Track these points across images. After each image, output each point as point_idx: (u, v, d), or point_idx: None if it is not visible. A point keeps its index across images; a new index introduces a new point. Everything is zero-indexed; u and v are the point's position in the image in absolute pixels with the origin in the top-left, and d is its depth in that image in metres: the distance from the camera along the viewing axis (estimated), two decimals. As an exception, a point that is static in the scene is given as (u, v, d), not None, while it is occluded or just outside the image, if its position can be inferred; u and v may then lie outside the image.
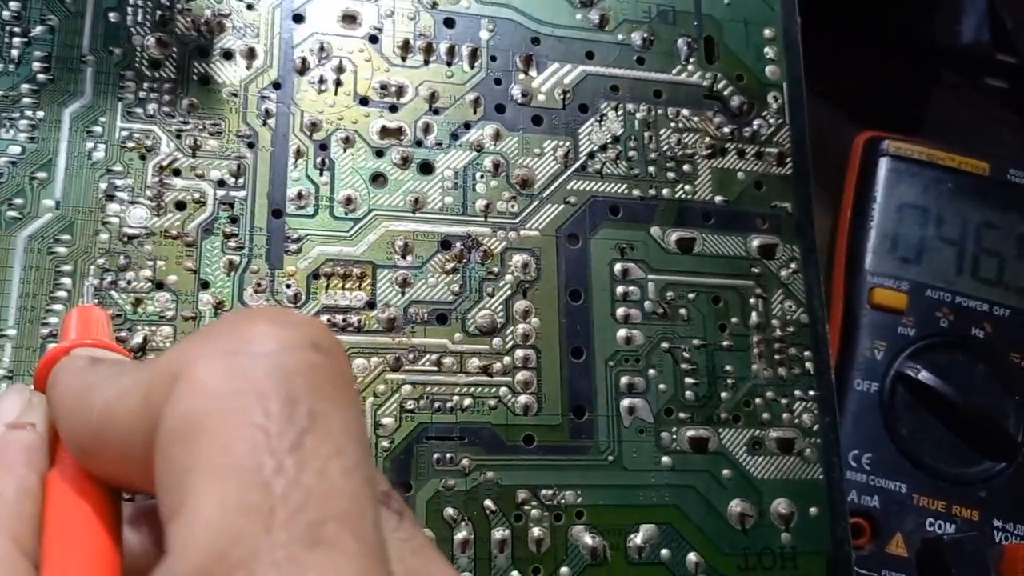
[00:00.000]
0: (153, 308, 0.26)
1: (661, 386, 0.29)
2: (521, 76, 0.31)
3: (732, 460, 0.29)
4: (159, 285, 0.26)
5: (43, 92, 0.26)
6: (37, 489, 0.17)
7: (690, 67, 0.32)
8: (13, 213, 0.25)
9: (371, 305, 0.28)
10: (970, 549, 0.32)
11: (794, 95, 0.33)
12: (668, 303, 0.30)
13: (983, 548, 0.32)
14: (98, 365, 0.17)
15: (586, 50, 0.32)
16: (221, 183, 0.27)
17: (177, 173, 0.27)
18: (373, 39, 0.30)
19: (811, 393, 0.30)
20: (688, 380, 0.30)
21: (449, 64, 0.30)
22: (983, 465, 0.35)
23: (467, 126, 0.30)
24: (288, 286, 0.27)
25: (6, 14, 0.27)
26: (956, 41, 0.53)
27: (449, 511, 0.27)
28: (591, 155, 0.31)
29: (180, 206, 0.27)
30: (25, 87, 0.26)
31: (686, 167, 0.31)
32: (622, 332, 0.29)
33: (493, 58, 0.31)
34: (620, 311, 0.30)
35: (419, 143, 0.29)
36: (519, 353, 0.28)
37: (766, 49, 0.33)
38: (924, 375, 0.35)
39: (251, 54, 0.28)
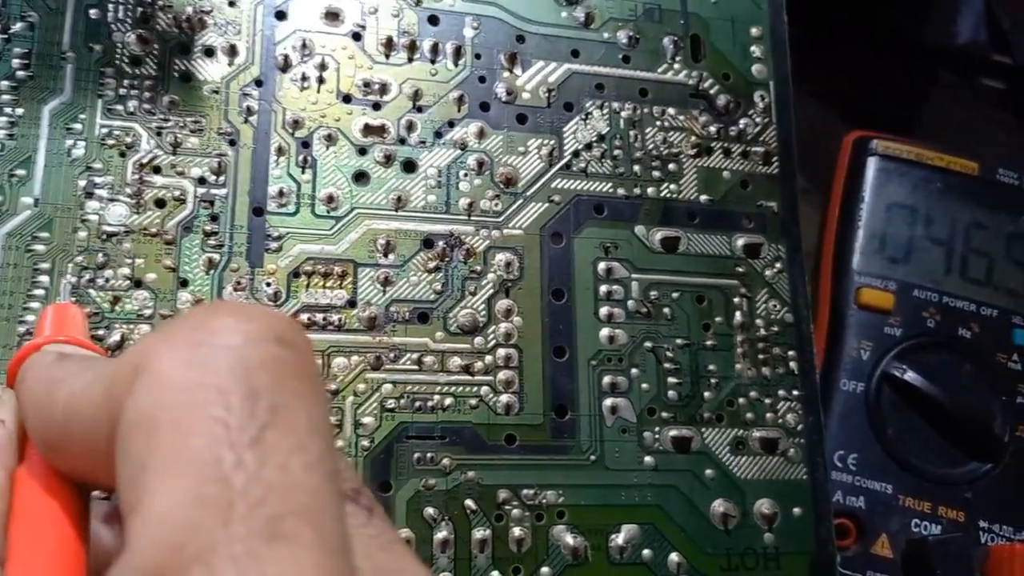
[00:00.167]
0: (131, 306, 0.26)
1: (644, 385, 0.29)
2: (506, 74, 0.31)
3: (715, 460, 0.29)
4: (137, 283, 0.26)
5: (23, 89, 0.26)
6: (5, 485, 0.17)
7: (676, 66, 0.32)
8: (-9, 210, 0.25)
9: (352, 304, 0.27)
10: (955, 550, 0.32)
11: (781, 94, 0.33)
12: (652, 302, 0.30)
13: (968, 549, 0.32)
14: (65, 361, 0.17)
15: (571, 48, 0.31)
16: (202, 181, 0.27)
17: (157, 171, 0.27)
18: (356, 36, 0.29)
19: (795, 393, 0.30)
20: (671, 380, 0.29)
21: (433, 62, 0.30)
22: (969, 466, 0.35)
23: (451, 124, 0.30)
24: (268, 284, 0.27)
25: (-14, 10, 0.27)
26: (952, 42, 0.53)
27: (429, 511, 0.26)
28: (576, 154, 0.31)
29: (160, 204, 0.27)
30: (4, 84, 0.26)
31: (671, 166, 0.31)
32: (605, 331, 0.29)
33: (478, 56, 0.30)
34: (603, 310, 0.29)
35: (402, 141, 0.29)
36: (501, 352, 0.28)
37: (753, 48, 0.33)
38: (910, 375, 0.34)
39: (233, 51, 0.28)
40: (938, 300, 0.36)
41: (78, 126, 0.27)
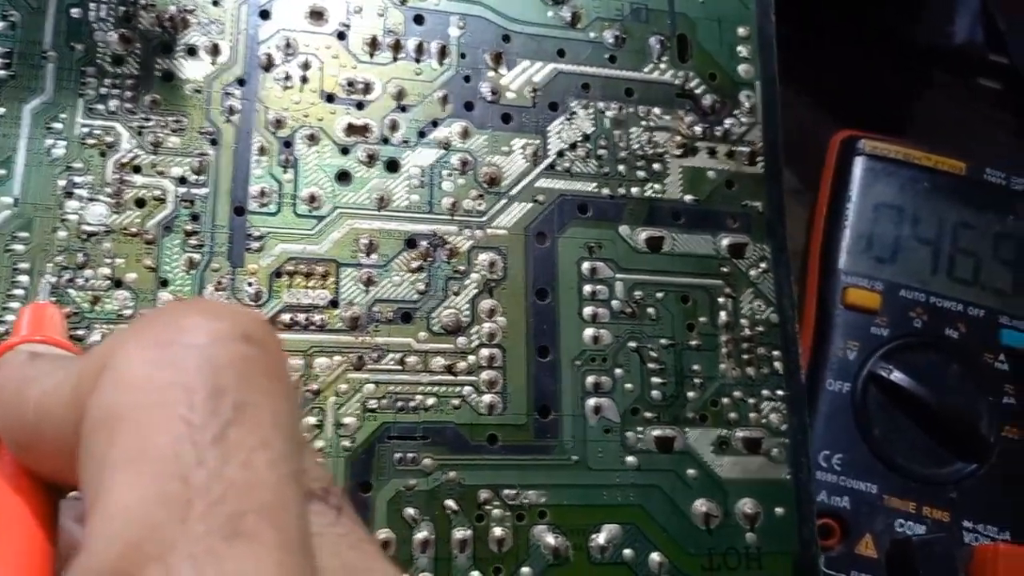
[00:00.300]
0: (111, 306, 0.26)
1: (628, 386, 0.29)
2: (491, 74, 0.31)
3: (698, 460, 0.29)
4: (118, 283, 0.26)
5: (3, 88, 0.26)
6: None
7: (662, 65, 0.32)
8: (-28, 210, 0.25)
9: (334, 304, 0.27)
10: (939, 550, 0.32)
11: (768, 94, 0.33)
12: (636, 302, 0.30)
13: (952, 549, 0.32)
14: (38, 360, 0.17)
15: (557, 48, 0.31)
16: (182, 180, 0.27)
17: (137, 170, 0.27)
18: (341, 35, 0.29)
19: (779, 393, 0.30)
20: (655, 380, 0.29)
21: (418, 61, 0.30)
22: (954, 466, 0.35)
23: (435, 124, 0.30)
24: (250, 284, 0.27)
25: (-33, 9, 0.27)
26: (949, 42, 0.53)
27: (410, 511, 0.26)
28: (560, 153, 0.31)
29: (140, 203, 0.27)
30: (-15, 83, 0.26)
31: (656, 166, 0.31)
32: (589, 331, 0.29)
33: (463, 55, 0.30)
34: (587, 310, 0.29)
35: (385, 140, 0.29)
36: (484, 352, 0.28)
37: (740, 48, 0.33)
38: (896, 375, 0.34)
39: (215, 50, 0.28)
40: (925, 300, 0.36)
41: (59, 125, 0.27)
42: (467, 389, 0.28)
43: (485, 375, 0.28)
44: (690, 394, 0.30)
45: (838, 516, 0.33)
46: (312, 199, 0.28)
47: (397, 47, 0.30)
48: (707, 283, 0.31)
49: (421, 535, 0.26)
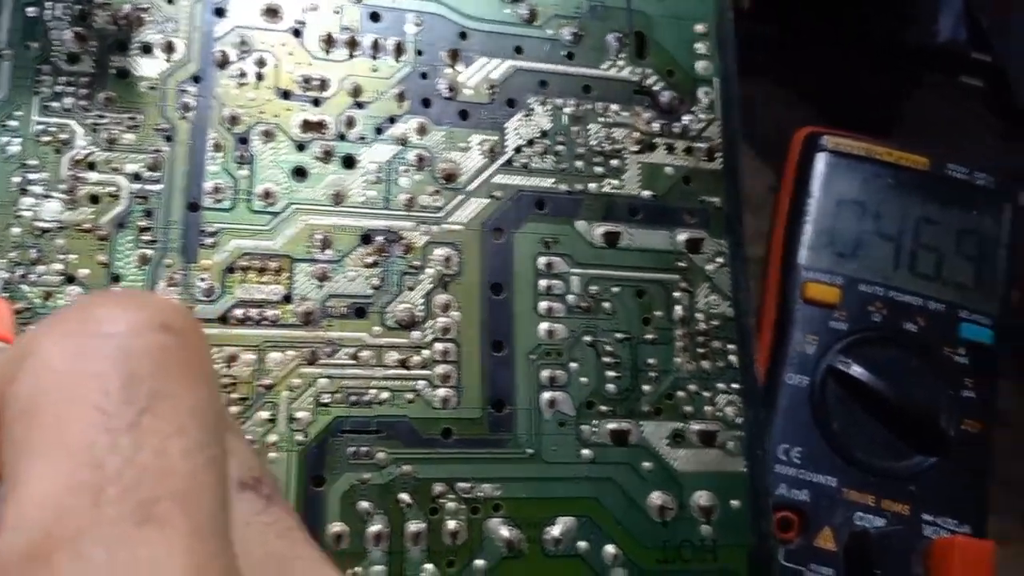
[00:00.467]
0: (63, 302, 0.26)
1: (583, 379, 0.29)
2: (448, 70, 0.31)
3: (653, 453, 0.29)
4: (70, 279, 0.26)
5: (-42, 86, 0.27)
6: None
7: (620, 62, 0.32)
8: (-75, 206, 0.26)
9: (288, 299, 0.28)
10: (895, 543, 0.32)
11: (726, 90, 0.33)
12: (592, 297, 0.30)
13: (909, 542, 0.32)
14: None
15: (515, 45, 0.32)
16: (137, 177, 0.27)
17: (92, 167, 0.27)
18: (296, 33, 0.30)
19: (735, 386, 0.31)
20: (610, 373, 0.30)
21: (374, 58, 0.30)
22: (914, 460, 0.35)
23: (392, 120, 0.30)
24: (202, 280, 0.27)
25: (-78, 8, 0.27)
26: (932, 40, 0.53)
27: (363, 504, 0.27)
28: (518, 149, 0.31)
29: (94, 200, 0.27)
30: (-61, 81, 0.26)
31: (614, 162, 0.31)
32: (544, 326, 0.29)
33: (419, 52, 0.31)
34: (543, 305, 0.30)
35: (342, 137, 0.29)
36: (438, 347, 0.28)
37: (698, 44, 0.33)
38: (855, 369, 0.35)
39: (170, 48, 0.28)
40: (884, 295, 0.36)
41: (14, 123, 0.27)
42: (421, 383, 0.28)
43: (439, 369, 0.28)
44: (645, 387, 0.30)
45: (797, 509, 0.33)
46: (267, 195, 0.28)
47: (353, 44, 0.30)
48: (663, 278, 0.31)
49: (374, 528, 0.26)
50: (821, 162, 0.38)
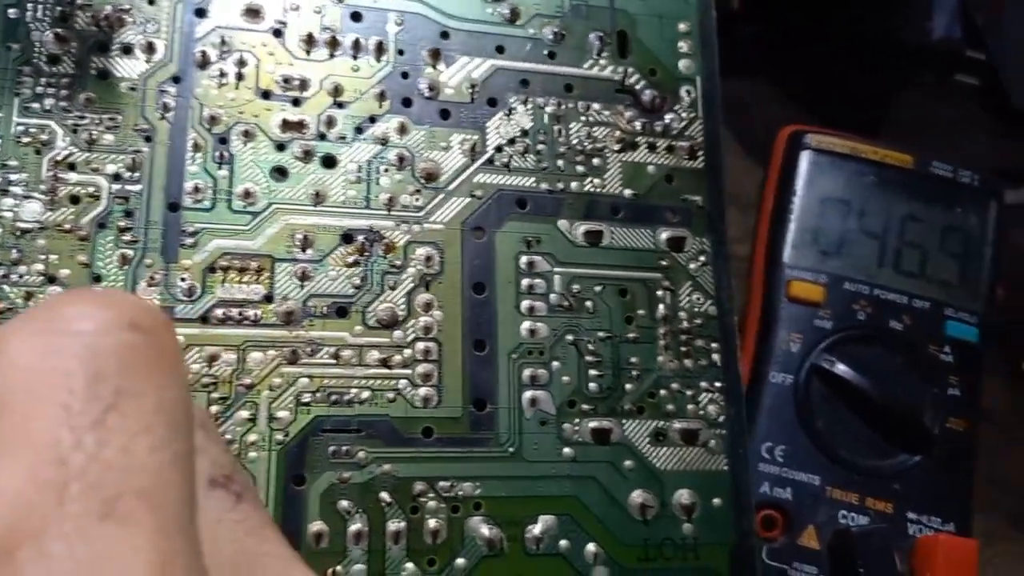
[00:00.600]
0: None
1: (564, 378, 0.29)
2: (429, 70, 0.31)
3: (635, 451, 0.29)
4: (51, 279, 0.26)
5: (-63, 87, 0.27)
6: None
7: (602, 61, 0.32)
8: (-96, 207, 0.26)
9: (268, 299, 0.28)
10: (878, 541, 0.32)
11: (708, 89, 0.33)
12: (574, 296, 0.30)
13: (891, 540, 0.32)
14: None
15: (496, 44, 0.32)
16: (117, 177, 0.27)
17: (72, 167, 0.27)
18: (277, 33, 0.30)
19: (717, 385, 0.31)
20: (592, 372, 0.30)
21: (355, 58, 0.30)
22: (898, 458, 0.35)
23: (372, 120, 0.30)
24: (183, 280, 0.27)
25: (-99, 9, 0.27)
26: (927, 38, 0.53)
27: (343, 503, 0.27)
28: (499, 149, 0.31)
29: (74, 200, 0.27)
30: (-81, 82, 0.26)
31: (596, 161, 0.32)
32: (526, 324, 0.29)
33: (400, 52, 0.31)
34: (525, 304, 0.30)
35: (322, 136, 0.29)
36: (420, 346, 0.28)
37: (680, 43, 0.33)
38: (840, 367, 0.35)
39: (151, 48, 0.28)
40: (869, 292, 0.36)
41: (-6, 124, 0.27)
42: (402, 383, 0.28)
43: (421, 368, 0.28)
44: (627, 386, 0.30)
45: (781, 507, 0.33)
46: (247, 195, 0.28)
47: (334, 44, 0.30)
48: (646, 276, 0.31)
49: (355, 527, 0.27)
50: (805, 160, 0.38)
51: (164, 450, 0.14)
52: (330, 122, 0.29)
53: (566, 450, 0.29)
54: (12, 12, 0.28)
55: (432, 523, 0.27)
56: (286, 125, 0.29)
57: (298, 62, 0.30)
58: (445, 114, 0.31)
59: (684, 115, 0.33)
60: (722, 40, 0.35)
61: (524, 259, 0.30)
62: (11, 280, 0.26)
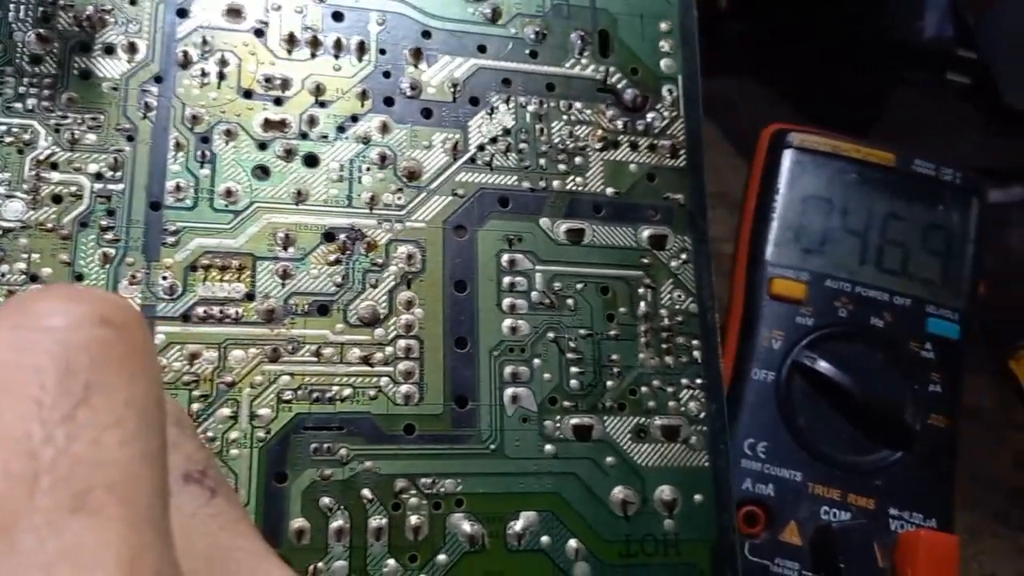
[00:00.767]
0: (24, 300, 0.26)
1: (546, 375, 0.29)
2: (411, 69, 0.31)
3: (616, 448, 0.29)
4: (33, 278, 0.26)
5: (-81, 87, 0.27)
6: None
7: (584, 60, 0.33)
8: None
9: (250, 297, 0.28)
10: (858, 536, 0.32)
11: (689, 88, 0.34)
12: (556, 293, 0.30)
13: (871, 536, 0.32)
14: None
15: (478, 43, 0.32)
16: (99, 176, 0.27)
17: (54, 167, 0.27)
18: (259, 32, 0.30)
19: (698, 381, 0.31)
20: (573, 369, 0.30)
21: (336, 57, 0.30)
22: (880, 454, 0.35)
23: (354, 119, 0.30)
24: (164, 278, 0.27)
25: None
26: (918, 38, 0.54)
27: (325, 500, 0.27)
28: (481, 147, 0.31)
29: (56, 199, 0.27)
30: (-100, 82, 0.27)
31: (577, 159, 0.32)
32: (507, 322, 0.30)
33: (382, 51, 0.31)
34: (506, 301, 0.30)
35: (304, 136, 0.29)
36: (401, 343, 0.29)
37: (662, 43, 0.34)
38: (821, 364, 0.35)
39: (132, 48, 0.28)
40: (851, 290, 0.36)
41: (-24, 124, 0.27)
42: (384, 380, 0.28)
43: (402, 366, 0.28)
44: (608, 383, 0.30)
45: (763, 504, 0.34)
46: (229, 194, 0.28)
47: (316, 43, 0.30)
48: (627, 274, 0.31)
49: (336, 524, 0.27)
50: (788, 159, 0.38)
51: (135, 444, 0.14)
52: (312, 121, 0.29)
53: (548, 447, 0.29)
54: (-6, 12, 0.28)
55: (414, 520, 0.27)
56: (268, 124, 0.29)
57: (280, 62, 0.30)
58: (427, 113, 0.31)
59: (666, 114, 0.33)
60: (710, 39, 0.35)
61: (506, 257, 0.30)
62: (-7, 279, 0.26)
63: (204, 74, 0.29)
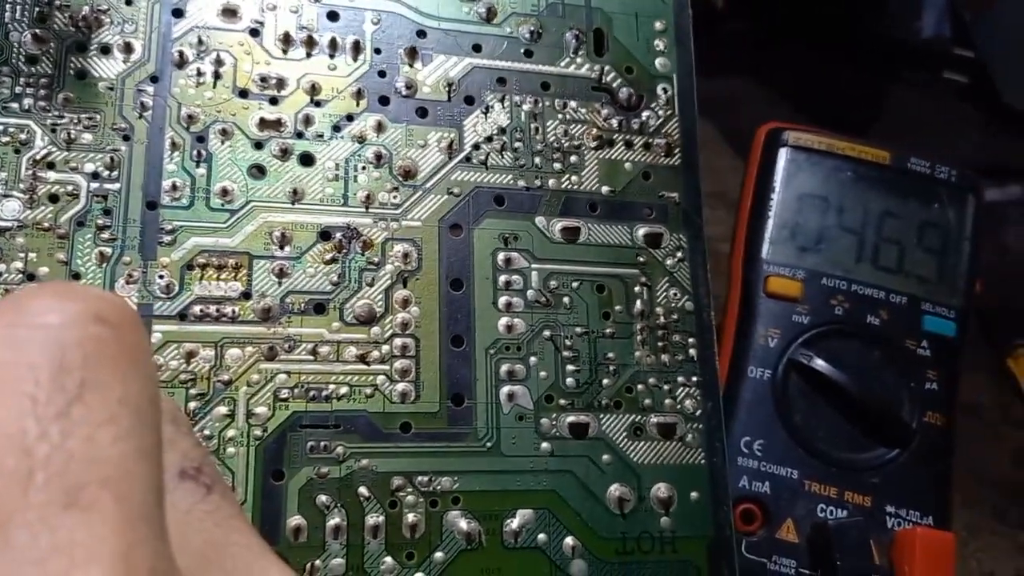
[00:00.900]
0: (20, 299, 0.26)
1: (542, 373, 0.30)
2: (406, 68, 0.31)
3: (612, 445, 0.30)
4: (30, 277, 0.26)
5: (-84, 87, 0.27)
6: None
7: (578, 59, 0.33)
8: None
9: (247, 295, 0.28)
10: (854, 534, 0.32)
11: (684, 87, 0.34)
12: (551, 292, 0.30)
13: (867, 533, 0.32)
14: None
15: (473, 43, 0.32)
16: (95, 176, 0.27)
17: (51, 166, 0.27)
18: (254, 32, 0.30)
19: (694, 379, 0.31)
20: (569, 367, 0.30)
21: (332, 56, 0.30)
22: (876, 451, 0.35)
23: (350, 118, 0.30)
24: (161, 277, 0.27)
25: None
26: (915, 37, 0.54)
27: (322, 498, 0.27)
28: (476, 146, 0.31)
29: (53, 199, 0.27)
30: None
31: (573, 158, 0.32)
32: (503, 320, 0.30)
33: (377, 51, 0.31)
34: (502, 300, 0.30)
35: (299, 135, 0.29)
36: (398, 342, 0.29)
37: (656, 41, 0.34)
38: (817, 362, 0.35)
39: (128, 48, 0.29)
40: (847, 288, 0.37)
41: (-28, 124, 0.27)
42: (380, 378, 0.28)
43: (398, 364, 0.28)
44: (604, 381, 0.30)
45: (759, 501, 0.34)
46: (225, 193, 0.28)
47: (311, 43, 0.30)
48: (623, 272, 0.31)
49: (333, 522, 0.27)
50: (783, 157, 0.38)
51: (129, 440, 0.14)
52: (307, 120, 0.30)
53: (544, 445, 0.29)
54: (-9, 13, 0.28)
55: (411, 517, 0.27)
56: (264, 123, 0.29)
57: (275, 61, 0.30)
58: (422, 112, 0.31)
59: (660, 113, 0.33)
60: (708, 39, 0.35)
61: (501, 255, 0.30)
62: (-11, 278, 0.26)
63: (200, 74, 0.29)
